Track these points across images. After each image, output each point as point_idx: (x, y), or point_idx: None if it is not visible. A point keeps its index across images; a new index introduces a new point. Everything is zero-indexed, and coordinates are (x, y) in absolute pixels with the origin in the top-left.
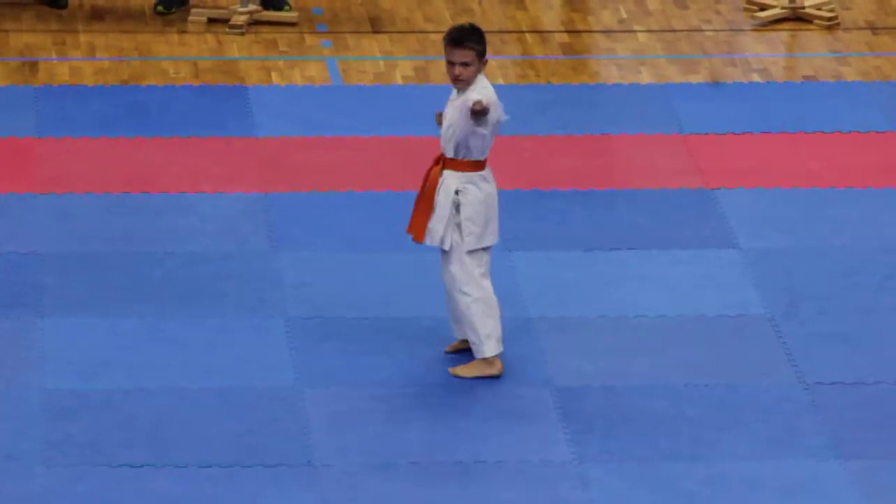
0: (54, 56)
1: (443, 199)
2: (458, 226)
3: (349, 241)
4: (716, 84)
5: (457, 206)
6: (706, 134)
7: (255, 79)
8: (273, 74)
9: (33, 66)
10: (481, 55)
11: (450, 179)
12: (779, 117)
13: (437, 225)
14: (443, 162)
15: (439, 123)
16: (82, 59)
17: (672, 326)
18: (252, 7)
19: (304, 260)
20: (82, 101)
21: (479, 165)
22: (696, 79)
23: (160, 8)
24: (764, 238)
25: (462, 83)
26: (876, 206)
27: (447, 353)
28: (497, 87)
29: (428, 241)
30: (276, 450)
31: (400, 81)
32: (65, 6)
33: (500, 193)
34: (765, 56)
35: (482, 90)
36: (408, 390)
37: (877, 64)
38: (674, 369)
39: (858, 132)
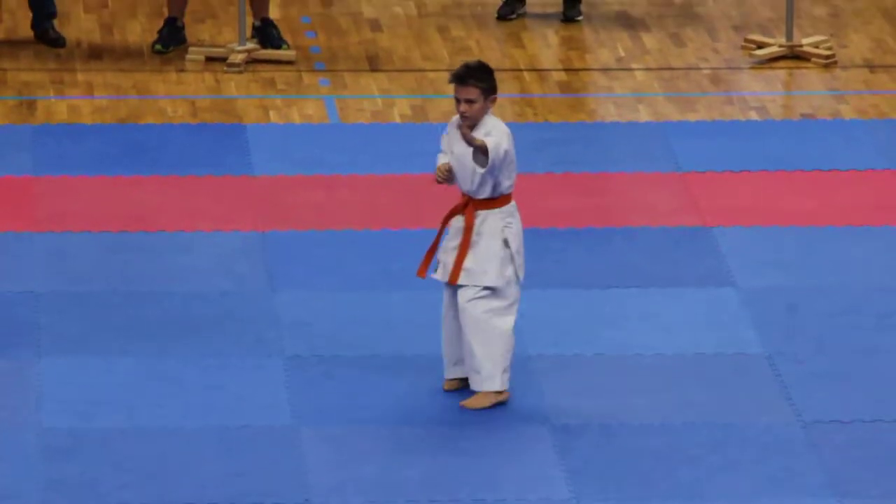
0: (52, 95)
1: (487, 238)
2: (511, 259)
3: (347, 280)
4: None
5: (505, 241)
6: (704, 172)
7: (252, 117)
8: (271, 113)
9: (31, 104)
10: (487, 92)
11: (491, 218)
12: (776, 155)
13: (488, 265)
14: (472, 204)
15: (441, 178)
16: (80, 98)
17: (670, 365)
18: (250, 46)
19: (302, 298)
20: (80, 139)
21: (510, 198)
22: (693, 117)
23: (158, 47)
24: (762, 276)
25: (468, 120)
26: (873, 245)
27: (447, 390)
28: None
29: (465, 280)
30: (273, 489)
31: (398, 120)
32: (63, 45)
33: None
34: (762, 94)
35: (492, 130)
36: (406, 429)
37: (874, 102)
38: (672, 408)
39: (856, 170)
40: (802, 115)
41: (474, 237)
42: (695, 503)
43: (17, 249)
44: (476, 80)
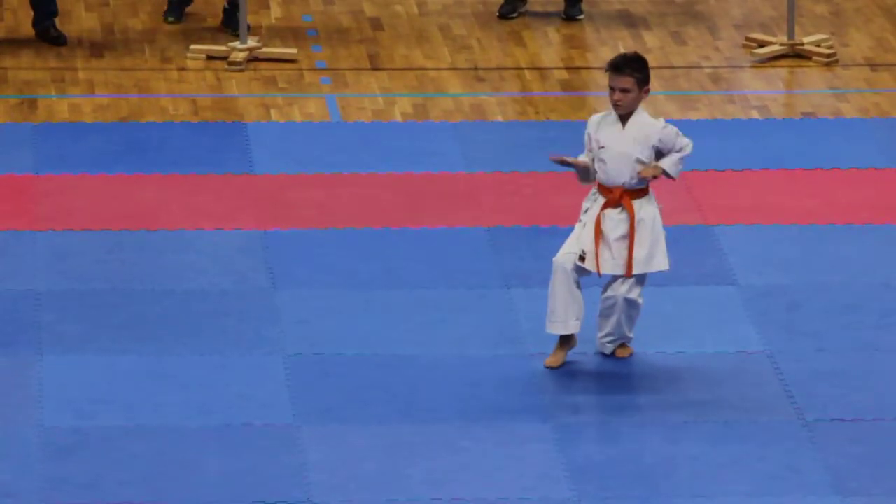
0: (53, 93)
1: (648, 225)
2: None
3: (348, 279)
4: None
5: (661, 225)
6: (705, 171)
7: (254, 116)
8: (272, 111)
9: (32, 103)
10: (642, 83)
11: (647, 206)
12: (778, 154)
13: (656, 249)
14: (628, 194)
15: (564, 162)
16: (81, 97)
17: (671, 363)
18: (251, 44)
19: (303, 297)
20: (81, 138)
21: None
22: (695, 115)
23: (171, 19)
24: (763, 275)
25: (621, 109)
26: (875, 243)
27: (552, 367)
28: (496, 124)
29: (639, 269)
30: (274, 487)
31: (399, 118)
32: (64, 43)
33: (499, 230)
34: (764, 93)
35: (662, 130)
36: (407, 427)
37: (875, 101)
38: (673, 406)
39: (857, 169)
40: (803, 113)
41: (637, 226)
42: (696, 501)
43: (17, 248)
44: (632, 69)
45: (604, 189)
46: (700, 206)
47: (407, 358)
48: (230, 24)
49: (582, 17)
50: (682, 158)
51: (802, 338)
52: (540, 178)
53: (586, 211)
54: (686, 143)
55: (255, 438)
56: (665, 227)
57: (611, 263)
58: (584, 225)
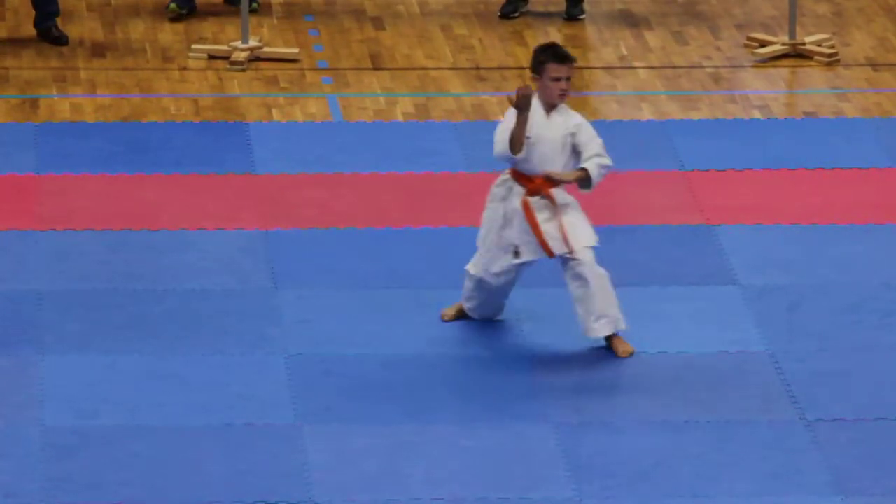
0: (55, 93)
1: (570, 206)
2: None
3: (349, 278)
4: None
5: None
6: (707, 170)
7: (255, 115)
8: (274, 111)
9: (34, 102)
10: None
11: (561, 189)
12: (779, 154)
13: (584, 224)
14: (547, 182)
15: (518, 103)
16: (83, 96)
17: (673, 363)
18: (253, 44)
19: (305, 297)
20: (83, 137)
21: None
22: (696, 115)
23: (173, 6)
24: (764, 275)
25: (565, 98)
26: (877, 243)
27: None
28: (498, 124)
29: (579, 244)
30: (276, 488)
31: (400, 118)
32: (66, 43)
33: None
34: (765, 93)
35: (583, 126)
36: (408, 427)
37: (877, 100)
38: (674, 406)
39: (859, 168)
40: (805, 113)
41: (565, 208)
42: (698, 501)
43: (19, 248)
44: (573, 59)
45: (524, 178)
46: (701, 206)
47: (407, 358)
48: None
49: (583, 16)
50: (604, 167)
51: (804, 338)
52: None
53: (494, 208)
54: (603, 151)
55: (256, 438)
56: (666, 227)
57: (559, 243)
58: (505, 225)
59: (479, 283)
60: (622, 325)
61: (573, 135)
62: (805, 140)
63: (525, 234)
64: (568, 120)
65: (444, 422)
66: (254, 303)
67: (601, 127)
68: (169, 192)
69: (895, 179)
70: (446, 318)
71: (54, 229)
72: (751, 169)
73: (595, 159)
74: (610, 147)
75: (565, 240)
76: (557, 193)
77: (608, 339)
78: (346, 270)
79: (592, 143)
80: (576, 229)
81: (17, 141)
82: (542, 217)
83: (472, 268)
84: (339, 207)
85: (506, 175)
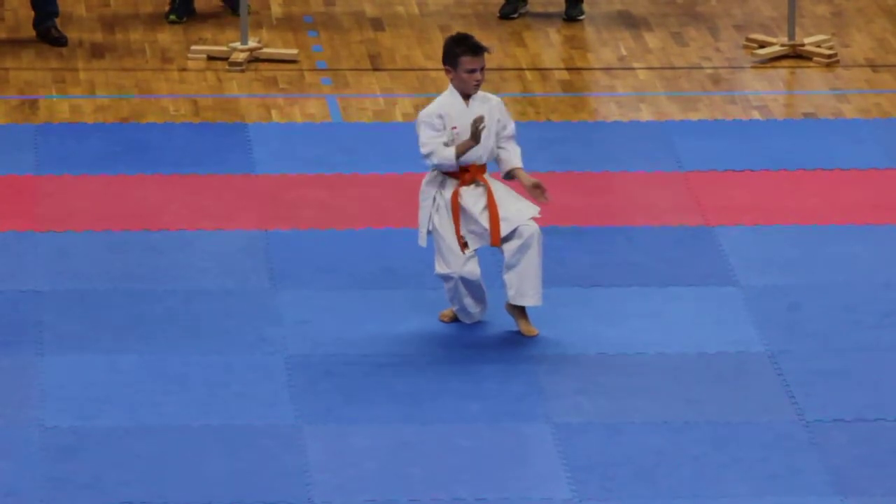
0: (54, 94)
1: (499, 187)
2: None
3: (349, 279)
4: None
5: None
6: (706, 171)
7: (254, 116)
8: (273, 112)
9: (33, 103)
10: None
11: (489, 175)
12: (779, 154)
13: (520, 200)
14: (478, 169)
15: (475, 136)
16: (82, 97)
17: (672, 364)
18: (252, 44)
19: (304, 297)
20: (82, 138)
21: None
22: (695, 116)
23: (173, 17)
24: (764, 275)
25: (478, 88)
26: (876, 244)
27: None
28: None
29: (521, 221)
30: (275, 488)
31: (400, 119)
32: (65, 44)
33: None
34: (765, 93)
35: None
36: (408, 427)
37: (876, 101)
38: (674, 407)
39: (858, 169)
40: (804, 114)
41: (498, 190)
42: (697, 501)
43: (19, 248)
44: (484, 49)
45: (454, 172)
46: (701, 207)
47: (407, 358)
48: (230, 2)
49: (583, 17)
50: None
51: (803, 338)
52: (540, 179)
53: (432, 205)
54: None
55: (256, 438)
56: (666, 228)
57: (505, 224)
58: (447, 218)
59: (450, 279)
60: (541, 301)
61: (500, 113)
62: (804, 141)
63: (470, 224)
64: (486, 103)
65: (444, 422)
66: (253, 303)
67: (601, 127)
68: (168, 193)
69: (895, 180)
70: (445, 319)
71: (54, 230)
72: (750, 170)
73: (518, 150)
74: (610, 147)
75: (496, 231)
76: (492, 180)
77: (519, 314)
78: (346, 271)
79: (510, 123)
80: (518, 204)
81: (17, 142)
82: (479, 206)
83: (438, 268)
84: (339, 208)
85: (434, 172)
